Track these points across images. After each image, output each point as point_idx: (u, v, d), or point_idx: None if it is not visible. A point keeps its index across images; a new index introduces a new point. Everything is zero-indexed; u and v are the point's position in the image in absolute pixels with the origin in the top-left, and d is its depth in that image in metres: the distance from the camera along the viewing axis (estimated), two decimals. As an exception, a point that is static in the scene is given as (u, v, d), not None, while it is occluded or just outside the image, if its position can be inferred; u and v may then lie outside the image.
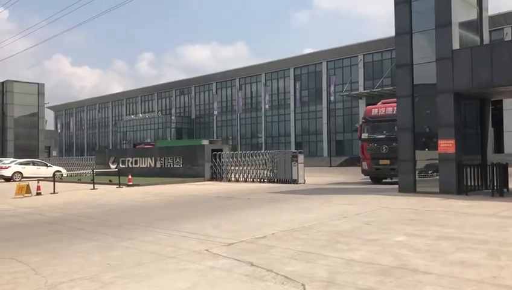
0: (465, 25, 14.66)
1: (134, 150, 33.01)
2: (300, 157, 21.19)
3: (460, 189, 13.58)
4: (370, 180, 20.75)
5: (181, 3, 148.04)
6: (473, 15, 15.29)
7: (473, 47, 14.24)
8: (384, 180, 20.26)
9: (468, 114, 15.26)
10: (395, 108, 18.72)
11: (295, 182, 20.68)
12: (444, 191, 13.64)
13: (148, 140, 68.13)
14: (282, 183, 20.98)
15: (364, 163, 20.27)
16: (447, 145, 13.75)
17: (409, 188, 14.47)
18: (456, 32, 13.93)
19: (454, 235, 7.29)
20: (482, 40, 15.27)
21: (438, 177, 14.10)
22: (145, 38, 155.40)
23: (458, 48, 13.90)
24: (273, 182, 21.64)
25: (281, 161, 21.75)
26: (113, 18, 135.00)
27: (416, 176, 14.59)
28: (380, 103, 21.43)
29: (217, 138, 68.02)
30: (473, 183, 14.02)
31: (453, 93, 13.72)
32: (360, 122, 22.04)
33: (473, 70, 13.37)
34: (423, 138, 15.18)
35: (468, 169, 13.92)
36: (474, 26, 15.31)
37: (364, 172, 20.60)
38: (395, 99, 21.25)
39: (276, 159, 22.10)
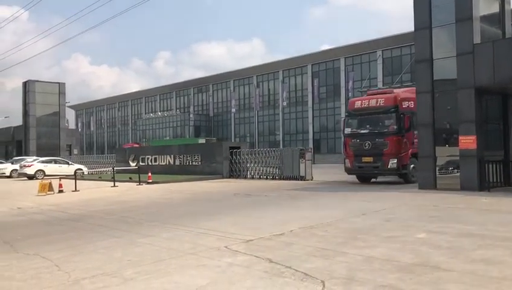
0: (486, 19, 14.39)
1: (154, 147, 33.28)
2: (308, 155, 21.42)
3: (482, 185, 13.37)
4: (357, 179, 19.13)
5: (195, 0, 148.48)
6: (494, 8, 14.98)
7: (495, 41, 13.97)
8: (373, 180, 18.98)
9: (490, 109, 14.99)
10: (379, 100, 17.70)
11: (303, 179, 20.76)
12: (465, 187, 13.44)
13: (167, 138, 68.66)
14: (290, 180, 21.09)
15: (347, 161, 18.57)
16: (468, 141, 13.54)
17: (429, 184, 14.29)
18: (477, 26, 13.68)
19: (476, 233, 7.19)
20: (504, 33, 14.96)
21: (458, 173, 13.90)
22: (161, 37, 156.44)
23: (479, 42, 13.65)
24: (282, 178, 21.77)
25: (289, 158, 21.93)
26: (131, 17, 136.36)
27: (437, 173, 14.40)
28: (366, 94, 20.02)
29: (235, 136, 68.24)
30: (495, 180, 13.80)
31: (474, 88, 13.49)
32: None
33: (495, 65, 13.12)
34: (443, 134, 14.98)
35: (490, 165, 13.69)
36: (496, 19, 15.00)
37: (347, 170, 18.89)
38: (382, 90, 20.43)
39: (284, 157, 22.31)
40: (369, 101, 18.12)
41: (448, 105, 14.64)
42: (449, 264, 5.30)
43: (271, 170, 22.98)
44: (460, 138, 13.74)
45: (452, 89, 14.16)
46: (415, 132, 16.97)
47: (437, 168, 14.44)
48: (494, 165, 13.85)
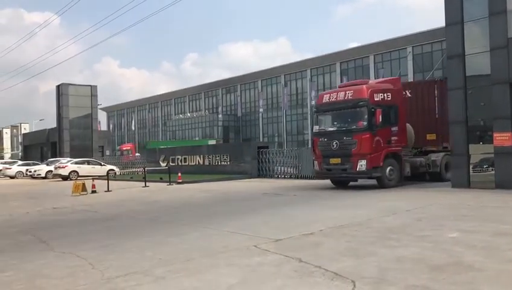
0: (521, 12, 13.94)
1: (183, 148, 33.65)
2: None
3: (519, 184, 12.96)
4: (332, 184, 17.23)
5: (220, 1, 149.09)
6: (530, 0, 14.50)
7: (531, 34, 13.52)
8: (352, 183, 16.96)
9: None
10: (347, 92, 15.58)
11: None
12: (501, 186, 13.06)
13: (197, 138, 69.35)
14: (310, 179, 20.90)
15: (315, 162, 16.57)
16: (503, 138, 13.16)
17: (462, 183, 13.96)
18: (511, 19, 13.28)
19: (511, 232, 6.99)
20: (540, 26, 14.46)
21: (493, 171, 13.52)
22: (188, 39, 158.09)
23: (514, 35, 13.25)
24: (301, 178, 21.79)
25: (309, 157, 21.74)
26: (158, 20, 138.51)
27: (471, 171, 14.05)
28: (338, 87, 17.78)
29: (263, 136, 68.34)
30: (532, 178, 13.34)
31: (509, 83, 13.09)
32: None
33: (531, 59, 12.70)
34: (477, 131, 14.59)
35: (527, 163, 13.26)
36: (532, 12, 14.52)
37: (316, 173, 17.14)
38: (353, 82, 18.46)
39: (303, 156, 22.34)
40: (337, 95, 15.95)
41: (481, 101, 14.26)
42: (483, 264, 5.17)
43: (292, 169, 23.07)
44: (495, 134, 13.37)
45: (486, 85, 13.78)
46: (393, 128, 15.45)
47: (471, 166, 14.09)
48: (531, 163, 13.40)
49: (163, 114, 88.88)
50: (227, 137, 71.24)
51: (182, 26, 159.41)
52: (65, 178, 29.22)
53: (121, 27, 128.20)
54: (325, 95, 16.81)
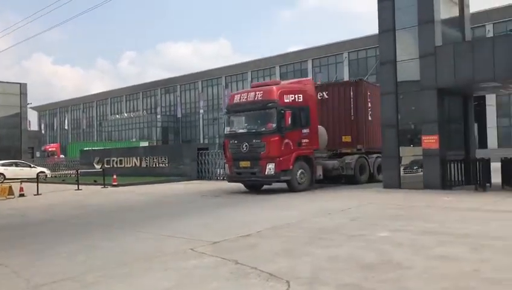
0: (447, 22, 14.82)
1: (119, 149, 32.73)
2: None
3: (444, 184, 13.74)
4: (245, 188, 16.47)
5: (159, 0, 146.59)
6: (454, 12, 15.45)
7: (456, 43, 14.39)
8: (266, 186, 16.25)
9: (451, 110, 15.43)
10: (257, 93, 15.08)
11: None
12: (428, 186, 13.78)
13: (134, 139, 67.65)
14: None
15: (227, 166, 16.00)
16: (430, 141, 13.89)
17: (393, 184, 14.58)
18: (438, 29, 14.07)
19: (437, 230, 7.38)
20: (464, 36, 15.45)
21: (422, 173, 14.24)
22: (126, 37, 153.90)
23: (441, 44, 14.04)
24: None
25: None
26: (94, 16, 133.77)
27: (401, 172, 14.71)
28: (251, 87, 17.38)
29: (203, 137, 67.91)
30: (456, 179, 14.20)
31: (436, 89, 13.85)
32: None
33: (456, 67, 13.51)
34: (408, 134, 15.28)
35: (452, 164, 14.09)
36: (457, 23, 15.48)
37: (227, 177, 16.49)
38: (265, 82, 18.47)
39: None
40: (247, 95, 15.39)
41: (412, 106, 14.98)
42: (410, 262, 5.42)
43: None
44: (423, 137, 14.09)
45: (416, 90, 14.49)
46: (304, 131, 15.13)
47: (402, 168, 14.75)
48: (456, 164, 14.25)
49: (98, 114, 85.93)
50: (167, 138, 70.08)
51: (119, 23, 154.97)
52: (-10, 181, 27.48)
53: (54, 22, 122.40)
54: (236, 95, 16.19)
